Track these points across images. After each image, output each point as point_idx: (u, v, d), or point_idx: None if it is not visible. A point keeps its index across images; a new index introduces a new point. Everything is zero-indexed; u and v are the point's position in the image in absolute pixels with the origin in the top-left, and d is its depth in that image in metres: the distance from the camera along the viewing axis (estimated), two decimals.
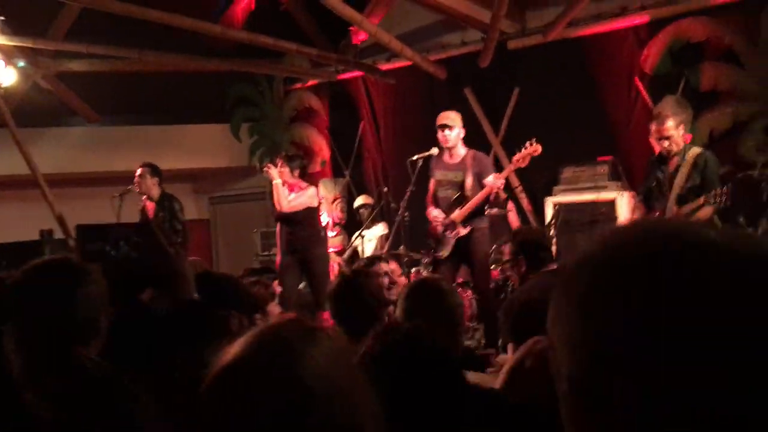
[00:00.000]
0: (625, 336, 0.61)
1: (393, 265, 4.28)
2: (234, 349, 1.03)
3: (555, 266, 3.69)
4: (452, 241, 5.56)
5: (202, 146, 9.83)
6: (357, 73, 8.76)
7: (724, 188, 4.56)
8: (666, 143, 4.99)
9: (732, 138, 6.18)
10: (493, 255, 6.42)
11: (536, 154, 5.45)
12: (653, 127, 5.08)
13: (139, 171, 6.57)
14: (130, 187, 6.71)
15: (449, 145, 5.61)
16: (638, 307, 0.61)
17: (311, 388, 0.99)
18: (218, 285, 2.53)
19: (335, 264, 7.70)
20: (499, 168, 6.40)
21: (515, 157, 5.56)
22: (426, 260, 6.40)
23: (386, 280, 3.75)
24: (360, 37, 8.33)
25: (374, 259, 4.13)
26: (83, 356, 1.82)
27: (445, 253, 5.59)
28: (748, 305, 0.59)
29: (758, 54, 6.10)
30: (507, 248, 3.96)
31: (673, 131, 4.99)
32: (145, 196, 6.62)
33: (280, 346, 1.03)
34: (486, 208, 5.70)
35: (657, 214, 4.95)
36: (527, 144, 5.46)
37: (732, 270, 0.61)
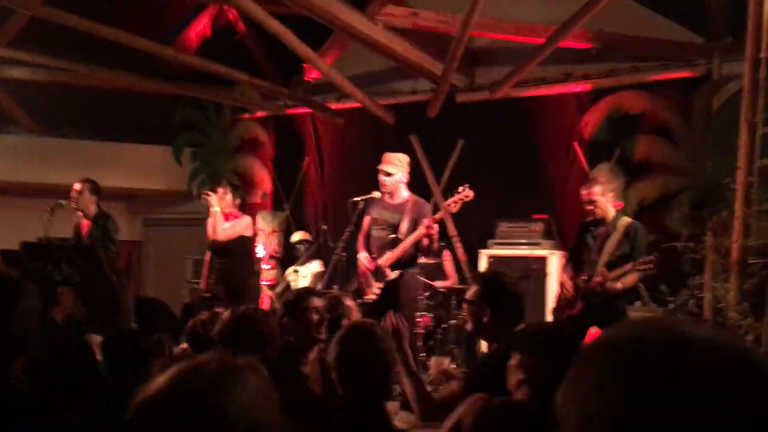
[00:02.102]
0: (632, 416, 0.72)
1: (349, 302, 4.11)
2: (160, 380, 1.04)
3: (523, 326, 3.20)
4: (381, 285, 5.50)
5: (141, 167, 9.67)
6: (306, 110, 8.82)
7: (650, 258, 4.77)
8: (591, 207, 5.21)
9: (660, 208, 6.45)
10: (423, 300, 6.48)
11: (468, 199, 5.43)
12: (583, 191, 5.31)
13: (77, 186, 6.41)
14: (62, 201, 6.54)
15: (386, 190, 5.58)
16: (649, 400, 0.71)
17: (234, 425, 1.01)
18: (152, 311, 2.51)
19: (267, 297, 7.65)
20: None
21: (447, 202, 5.53)
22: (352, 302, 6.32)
23: (315, 317, 3.60)
24: (312, 75, 8.43)
25: (306, 293, 3.93)
26: (9, 372, 1.77)
27: (372, 296, 5.52)
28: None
29: (690, 131, 6.43)
30: (474, 289, 3.33)
31: (599, 197, 5.21)
32: (80, 213, 6.45)
33: (204, 382, 1.04)
34: (419, 255, 5.65)
35: (585, 277, 5.13)
36: (460, 188, 5.46)
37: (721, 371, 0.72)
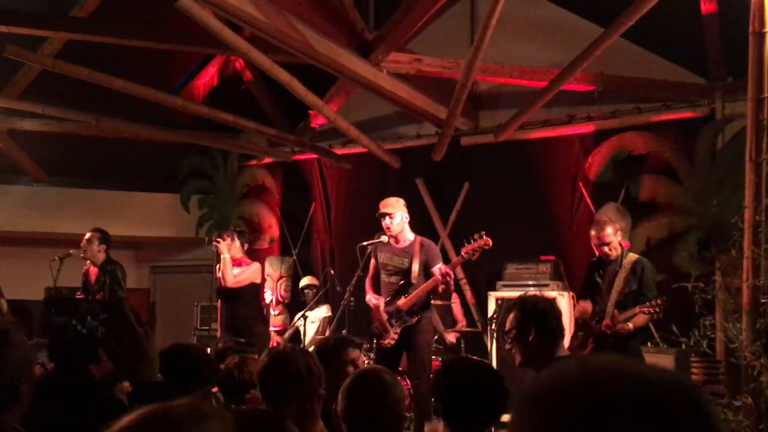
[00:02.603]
0: None
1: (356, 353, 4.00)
2: (122, 423, 1.05)
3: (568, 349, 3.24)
4: (398, 330, 5.46)
5: (149, 215, 9.72)
6: (312, 155, 8.91)
7: (659, 301, 4.76)
8: (606, 249, 5.21)
9: (667, 248, 6.46)
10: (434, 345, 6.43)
11: (487, 247, 5.35)
12: (593, 233, 5.31)
13: (87, 235, 6.45)
14: (72, 250, 6.59)
15: (393, 233, 5.54)
16: None
17: None
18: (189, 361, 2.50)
19: (275, 343, 7.62)
20: (446, 259, 6.46)
21: (465, 249, 5.45)
22: (366, 346, 6.28)
23: (351, 369, 3.36)
24: (318, 121, 8.53)
25: (343, 343, 3.69)
26: (5, 424, 1.77)
27: (390, 341, 5.47)
28: None
29: (694, 171, 6.47)
30: (510, 317, 3.18)
31: (612, 237, 5.23)
32: (89, 261, 6.49)
33: (168, 422, 1.05)
34: (432, 298, 5.64)
35: (595, 317, 5.12)
36: (476, 236, 5.38)
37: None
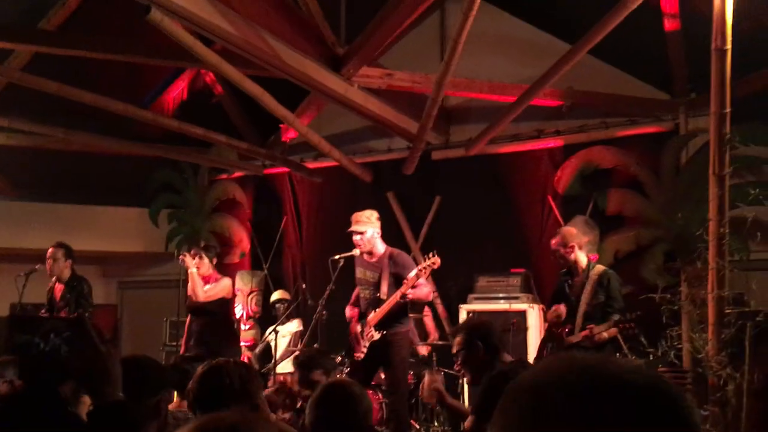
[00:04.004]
0: None
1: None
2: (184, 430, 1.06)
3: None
4: (366, 344, 5.49)
5: (117, 229, 9.61)
6: (283, 169, 8.89)
7: (631, 318, 4.84)
8: (562, 250, 5.30)
9: (635, 260, 6.56)
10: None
11: (435, 267, 5.34)
12: (552, 241, 5.41)
13: (51, 251, 6.35)
14: (38, 266, 6.48)
15: (363, 249, 5.58)
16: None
17: None
18: (142, 369, 2.48)
19: (246, 358, 7.56)
20: None
21: (417, 268, 5.41)
22: (338, 359, 6.26)
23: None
24: (289, 135, 8.53)
25: (312, 362, 3.76)
26: None
27: (360, 355, 5.51)
28: None
29: (660, 185, 6.59)
30: (457, 339, 3.72)
31: (569, 240, 5.32)
32: (54, 277, 6.38)
33: (226, 429, 1.08)
34: (409, 311, 5.62)
35: (567, 329, 5.18)
36: (429, 255, 5.38)
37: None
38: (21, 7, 7.46)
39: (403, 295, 5.30)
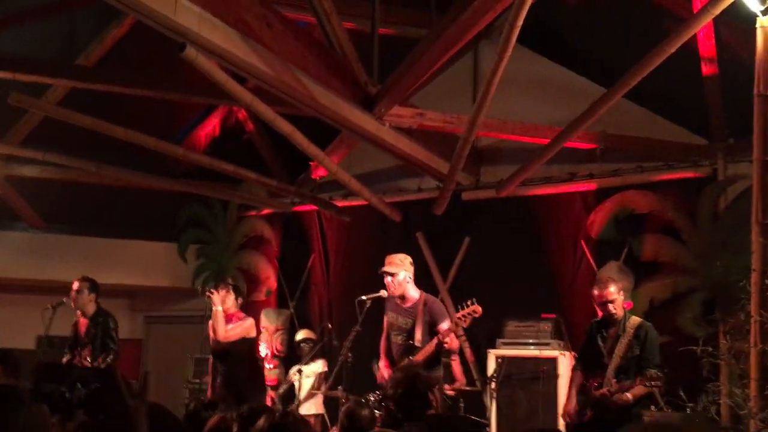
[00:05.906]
0: None
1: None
2: None
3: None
4: None
5: (145, 263, 9.62)
6: (312, 207, 8.87)
7: (659, 373, 4.67)
8: (609, 306, 5.14)
9: (671, 308, 6.36)
10: None
11: (476, 315, 5.37)
12: (595, 291, 5.24)
13: (76, 285, 6.36)
14: (64, 299, 6.49)
15: (395, 292, 5.53)
16: None
17: None
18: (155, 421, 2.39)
19: (269, 398, 7.44)
20: None
21: (455, 316, 5.43)
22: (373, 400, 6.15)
23: None
24: (319, 173, 8.52)
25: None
26: None
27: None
28: None
29: (697, 231, 6.41)
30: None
31: (615, 295, 5.16)
32: (79, 312, 6.37)
33: None
34: (441, 357, 5.55)
35: (596, 383, 5.01)
36: (469, 302, 5.38)
37: None
38: (61, 44, 7.62)
39: (440, 343, 5.23)
